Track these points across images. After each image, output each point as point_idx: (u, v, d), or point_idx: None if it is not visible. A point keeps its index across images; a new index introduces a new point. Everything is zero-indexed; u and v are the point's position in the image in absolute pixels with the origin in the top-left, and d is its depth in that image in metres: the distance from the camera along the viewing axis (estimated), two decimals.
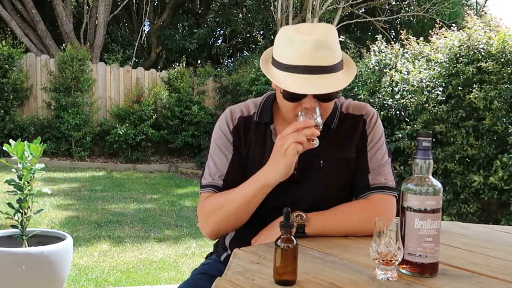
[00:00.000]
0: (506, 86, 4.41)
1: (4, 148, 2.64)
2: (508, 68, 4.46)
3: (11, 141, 2.65)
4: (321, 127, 1.21)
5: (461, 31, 5.14)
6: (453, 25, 6.38)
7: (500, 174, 4.24)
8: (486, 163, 4.55)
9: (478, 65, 4.58)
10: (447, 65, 4.95)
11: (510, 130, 4.37)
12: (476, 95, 4.43)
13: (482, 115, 4.53)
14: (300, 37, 1.21)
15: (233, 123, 1.41)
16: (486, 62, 4.52)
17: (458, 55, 4.89)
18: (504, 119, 4.42)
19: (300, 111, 1.25)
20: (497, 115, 4.39)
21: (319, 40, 1.20)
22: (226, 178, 1.36)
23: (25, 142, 2.67)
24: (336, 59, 1.23)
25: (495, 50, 4.60)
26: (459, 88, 4.72)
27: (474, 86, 4.53)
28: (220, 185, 1.36)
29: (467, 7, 12.78)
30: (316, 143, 1.20)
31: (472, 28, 4.91)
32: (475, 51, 4.71)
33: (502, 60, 4.54)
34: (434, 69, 5.17)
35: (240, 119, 1.42)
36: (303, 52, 1.20)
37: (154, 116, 9.09)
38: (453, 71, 4.82)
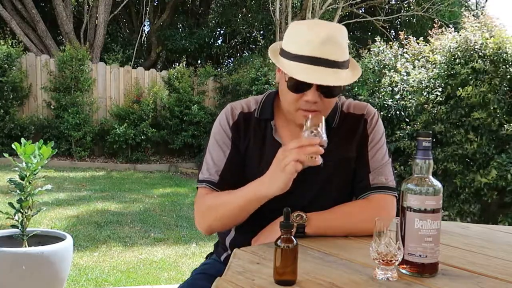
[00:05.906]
0: (498, 81, 4.44)
1: (13, 147, 2.64)
2: (503, 67, 4.48)
3: (22, 140, 2.66)
4: (325, 145, 1.15)
5: (457, 33, 5.15)
6: (451, 25, 6.37)
7: (494, 175, 4.26)
8: (486, 164, 4.55)
9: (473, 65, 4.59)
10: (445, 65, 4.96)
11: (509, 130, 4.37)
12: (470, 91, 4.45)
13: (479, 113, 4.54)
14: (311, 30, 1.22)
15: (233, 118, 1.41)
16: (479, 63, 4.53)
17: (455, 56, 4.89)
18: (498, 115, 4.44)
19: (304, 129, 1.17)
20: (493, 112, 4.42)
21: (329, 35, 1.21)
22: (222, 173, 1.36)
23: (36, 143, 2.67)
24: (344, 57, 1.24)
25: (490, 51, 4.60)
26: (458, 88, 4.73)
27: (470, 84, 4.55)
28: (216, 181, 1.36)
29: (465, 7, 12.76)
30: (319, 161, 1.14)
31: (469, 29, 4.91)
32: (472, 52, 4.72)
33: (497, 59, 4.56)
34: (433, 70, 5.17)
35: (240, 115, 1.41)
36: (312, 44, 1.21)
37: (151, 115, 9.07)
38: (451, 72, 4.83)
